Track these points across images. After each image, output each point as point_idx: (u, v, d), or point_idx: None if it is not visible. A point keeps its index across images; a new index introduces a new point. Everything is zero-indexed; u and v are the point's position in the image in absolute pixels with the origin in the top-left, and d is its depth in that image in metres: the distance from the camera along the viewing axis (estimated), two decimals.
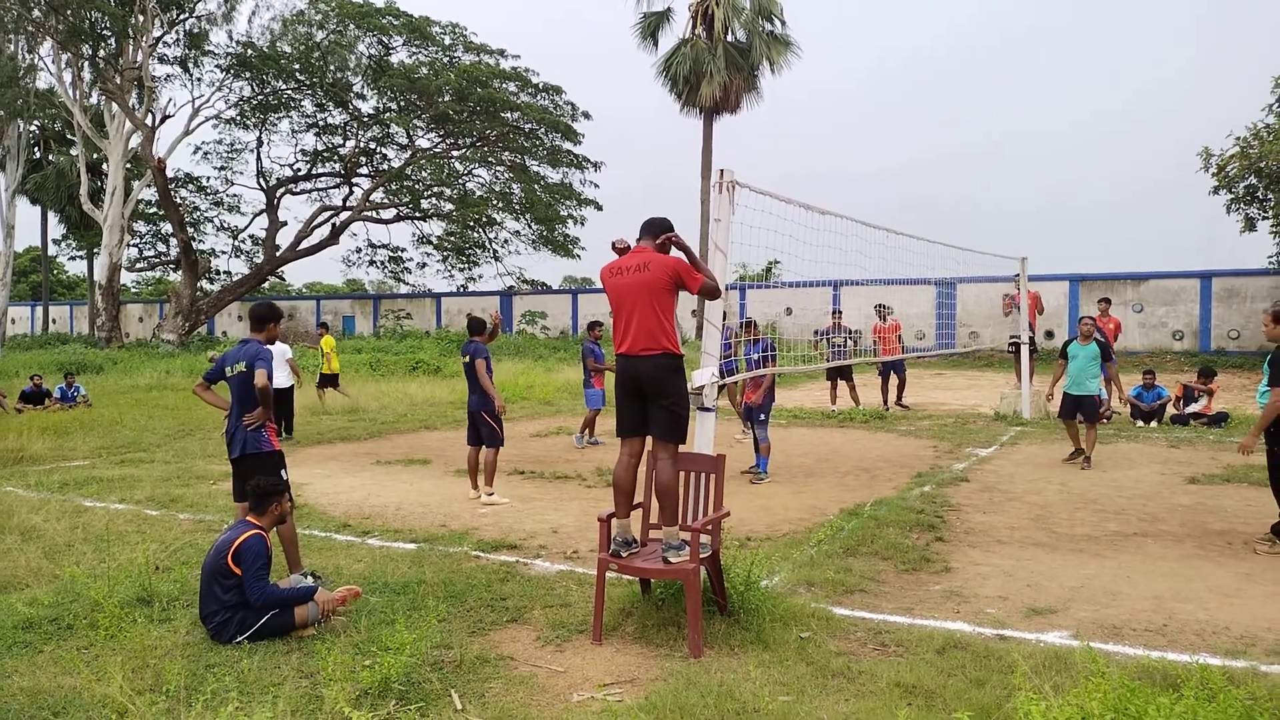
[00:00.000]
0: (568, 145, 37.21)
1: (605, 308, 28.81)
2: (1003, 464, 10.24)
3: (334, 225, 37.67)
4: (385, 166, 38.19)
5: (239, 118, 36.93)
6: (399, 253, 41.39)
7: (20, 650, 4.60)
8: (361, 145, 38.07)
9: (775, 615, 4.83)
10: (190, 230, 36.86)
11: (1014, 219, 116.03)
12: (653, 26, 32.18)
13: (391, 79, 34.61)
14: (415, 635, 4.32)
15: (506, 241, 39.79)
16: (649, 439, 4.96)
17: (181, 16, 33.21)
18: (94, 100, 35.31)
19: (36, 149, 42.99)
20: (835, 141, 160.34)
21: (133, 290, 55.36)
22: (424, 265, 41.24)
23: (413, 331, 37.95)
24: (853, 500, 8.21)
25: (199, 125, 35.32)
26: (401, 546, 6.71)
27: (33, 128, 41.56)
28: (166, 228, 39.34)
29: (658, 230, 5.05)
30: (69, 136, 40.41)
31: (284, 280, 52.12)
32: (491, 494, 8.45)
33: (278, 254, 37.36)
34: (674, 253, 5.05)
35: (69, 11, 30.23)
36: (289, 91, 36.05)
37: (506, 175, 38.17)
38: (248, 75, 35.17)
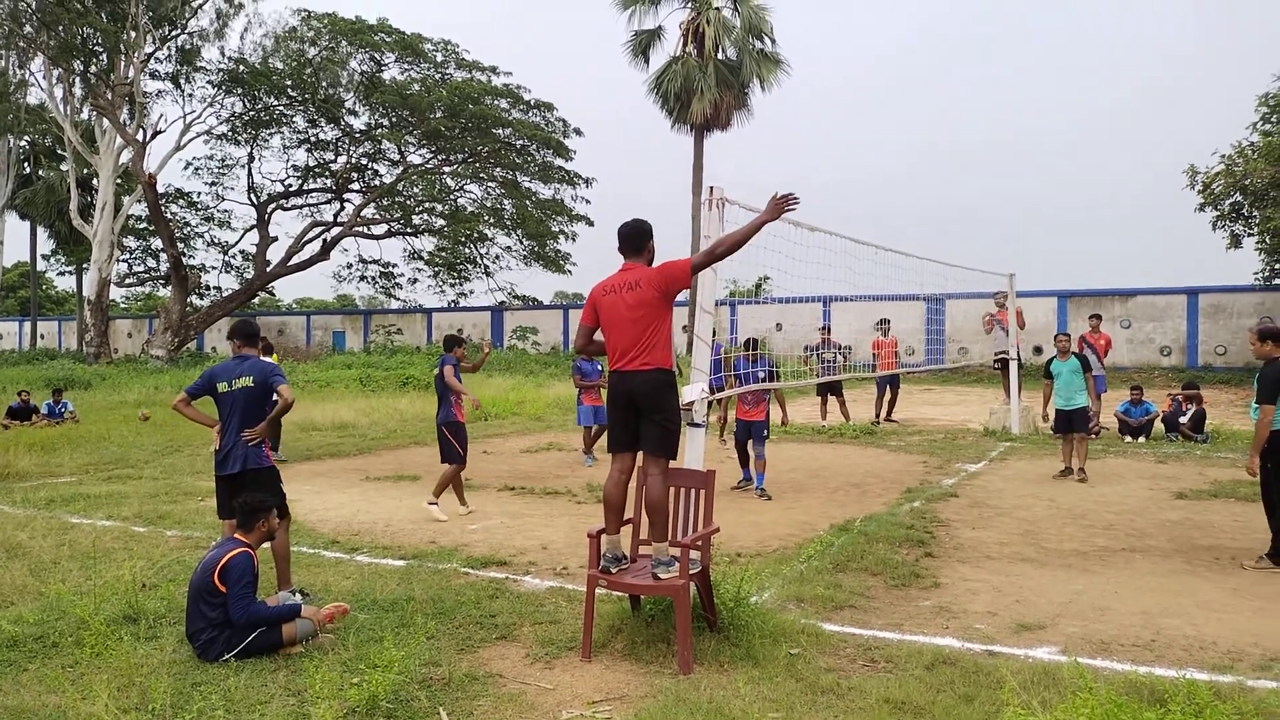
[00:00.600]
0: (559, 161, 37.38)
1: None
2: (992, 479, 10.28)
3: (325, 240, 37.66)
4: (377, 182, 38.26)
5: (230, 133, 36.98)
6: (390, 268, 41.45)
7: (5, 669, 4.56)
8: (353, 161, 38.14)
9: (765, 631, 4.83)
10: (180, 245, 36.81)
11: (998, 226, 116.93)
12: (644, 44, 32.33)
13: (383, 95, 34.73)
14: (403, 653, 4.30)
15: (498, 257, 39.92)
16: (640, 454, 4.97)
17: (174, 33, 33.30)
18: (85, 115, 35.30)
19: (26, 164, 42.93)
20: (816, 151, 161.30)
21: (122, 306, 55.19)
22: (415, 280, 41.32)
23: (403, 347, 37.87)
24: (843, 516, 8.22)
25: (190, 141, 35.38)
26: (390, 563, 6.68)
27: (23, 143, 41.53)
28: (156, 243, 39.28)
29: (640, 242, 5.06)
30: (59, 151, 40.37)
31: (274, 296, 52.02)
32: (434, 504, 8.40)
33: (268, 269, 37.30)
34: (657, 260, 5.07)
35: (61, 27, 30.28)
36: (281, 107, 36.11)
37: (498, 191, 38.30)
38: (240, 91, 35.24)
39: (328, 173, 38.58)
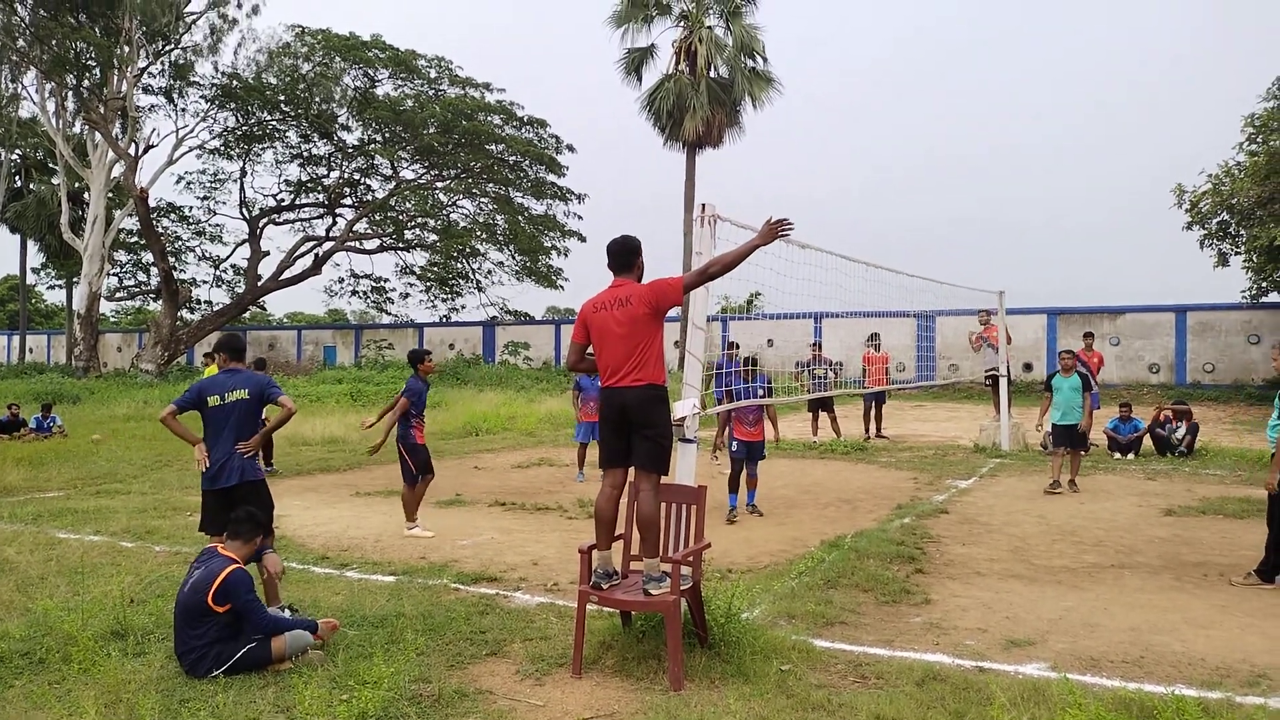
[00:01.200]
0: (551, 177, 37.50)
1: None
2: (982, 496, 10.30)
3: (317, 255, 37.62)
4: (369, 197, 38.28)
5: (223, 148, 36.98)
6: (382, 283, 41.36)
7: None
8: (346, 176, 38.17)
9: (756, 648, 4.82)
10: (171, 259, 36.68)
11: (989, 236, 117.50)
12: (637, 62, 32.57)
13: (377, 111, 34.82)
14: (393, 669, 4.29)
15: (490, 272, 39.91)
16: (632, 470, 4.98)
17: (167, 48, 33.33)
18: (77, 129, 35.26)
19: (17, 177, 42.84)
20: (807, 164, 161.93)
21: (111, 320, 54.93)
22: (407, 296, 41.23)
23: (395, 362, 37.78)
24: (834, 532, 8.22)
25: (182, 155, 35.39)
26: (380, 579, 6.66)
27: (14, 156, 41.46)
28: (147, 257, 39.14)
29: (629, 259, 5.07)
30: (51, 165, 40.27)
31: (265, 310, 51.85)
32: (413, 527, 8.45)
33: (259, 284, 37.24)
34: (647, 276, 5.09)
35: (54, 42, 30.28)
36: (274, 122, 36.16)
37: (490, 206, 38.37)
38: (232, 106, 35.27)
39: (320, 188, 38.58)
